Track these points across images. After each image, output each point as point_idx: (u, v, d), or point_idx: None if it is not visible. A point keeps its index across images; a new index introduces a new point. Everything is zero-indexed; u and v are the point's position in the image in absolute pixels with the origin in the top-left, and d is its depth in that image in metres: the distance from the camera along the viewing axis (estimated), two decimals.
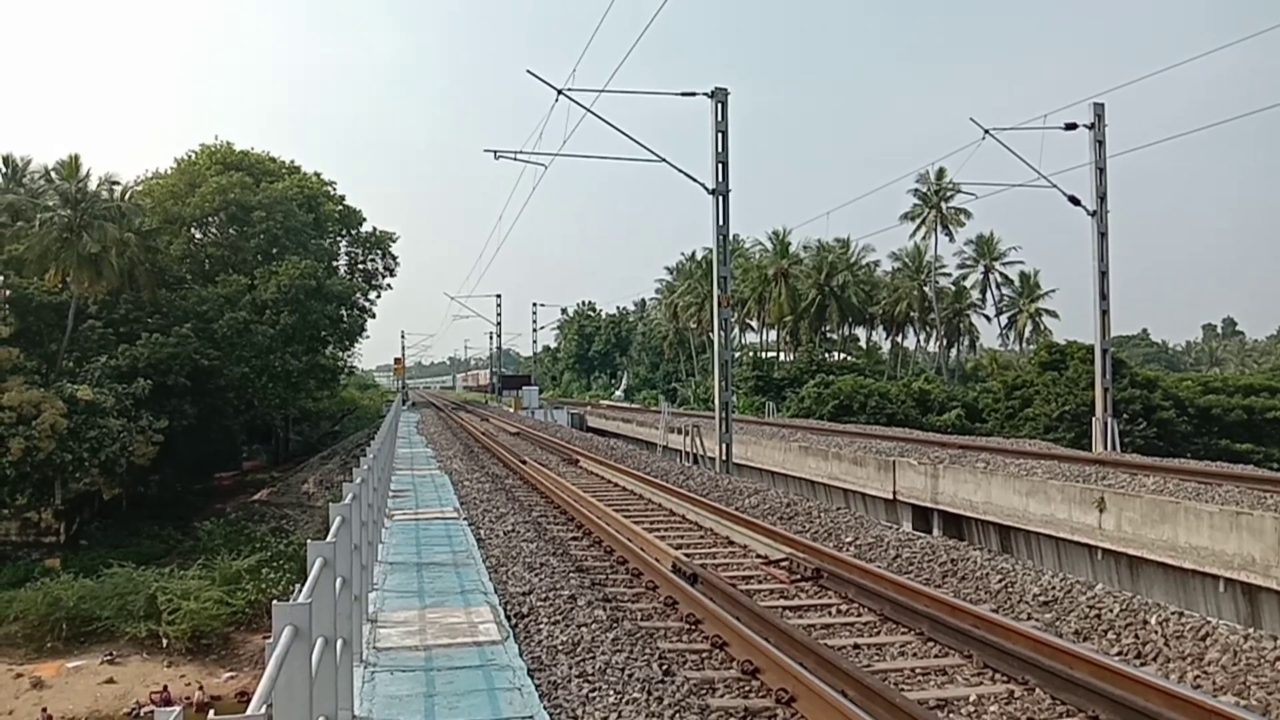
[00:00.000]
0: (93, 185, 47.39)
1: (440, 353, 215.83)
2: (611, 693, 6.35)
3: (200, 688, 25.04)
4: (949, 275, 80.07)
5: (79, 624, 29.08)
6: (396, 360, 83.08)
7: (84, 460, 39.01)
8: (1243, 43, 57.44)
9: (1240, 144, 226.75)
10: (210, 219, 57.72)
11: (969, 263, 79.70)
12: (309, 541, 4.97)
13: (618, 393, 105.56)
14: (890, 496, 20.20)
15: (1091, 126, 26.31)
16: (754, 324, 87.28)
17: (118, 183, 48.99)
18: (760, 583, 10.52)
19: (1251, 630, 7.97)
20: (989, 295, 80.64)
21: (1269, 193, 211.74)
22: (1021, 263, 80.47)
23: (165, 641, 28.18)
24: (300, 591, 4.10)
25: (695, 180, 25.55)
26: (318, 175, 63.64)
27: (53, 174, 49.08)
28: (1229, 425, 45.44)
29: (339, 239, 64.93)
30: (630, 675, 6.68)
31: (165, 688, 25.03)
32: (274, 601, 3.47)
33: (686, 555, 11.32)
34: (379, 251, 66.15)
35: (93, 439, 39.30)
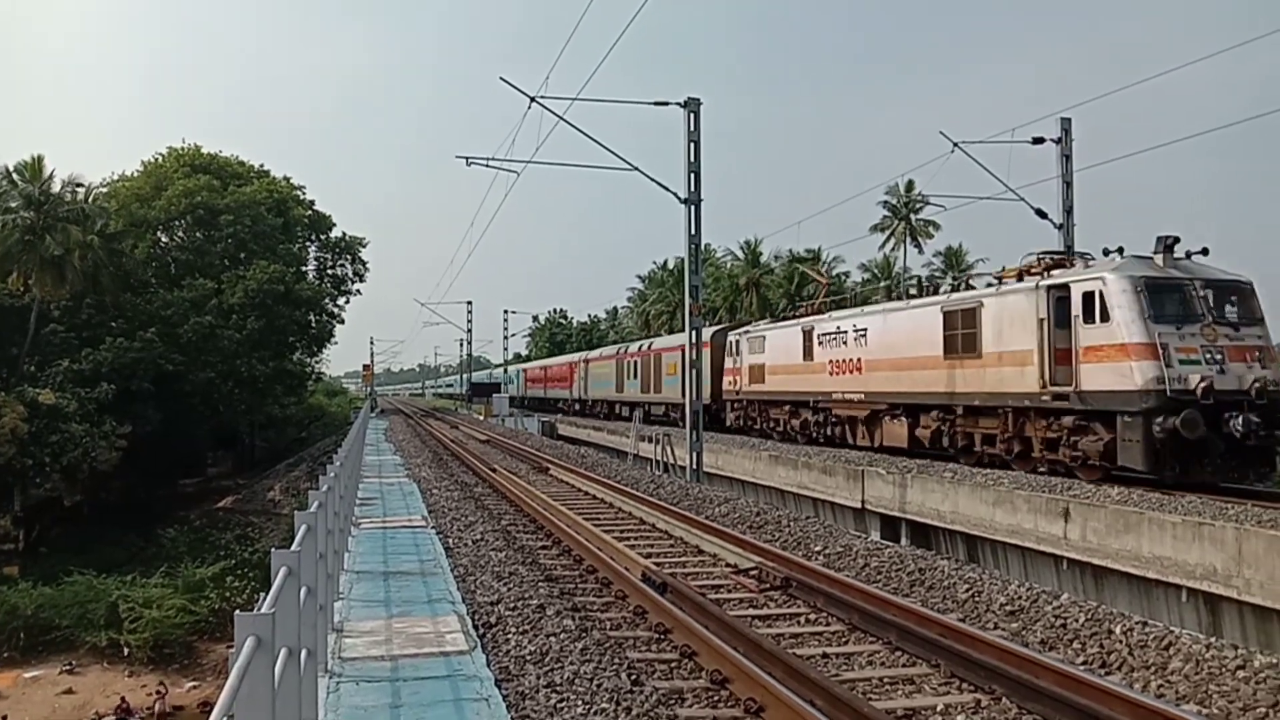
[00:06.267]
0: (56, 187, 46.78)
1: (410, 359, 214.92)
2: (580, 703, 6.31)
3: (162, 697, 24.60)
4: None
5: (37, 633, 28.52)
6: (365, 367, 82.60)
7: (45, 465, 38.38)
8: (1215, 57, 58.45)
9: (1225, 157, 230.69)
10: (176, 222, 57.06)
11: (938, 274, 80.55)
12: (273, 550, 4.89)
13: None
14: (859, 505, 20.27)
15: (1059, 141, 26.68)
16: None
17: (81, 185, 48.39)
18: (730, 592, 10.52)
19: (1213, 639, 8.07)
20: None
21: (1246, 208, 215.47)
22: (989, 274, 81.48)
23: (126, 651, 27.68)
24: (264, 601, 4.03)
25: (667, 189, 25.63)
26: (287, 179, 63.05)
27: (15, 175, 48.33)
28: None
29: (308, 244, 64.31)
30: (599, 685, 6.65)
31: (124, 699, 24.59)
32: (236, 611, 3.41)
33: (656, 564, 11.29)
34: (348, 257, 65.60)
35: (54, 444, 38.66)
